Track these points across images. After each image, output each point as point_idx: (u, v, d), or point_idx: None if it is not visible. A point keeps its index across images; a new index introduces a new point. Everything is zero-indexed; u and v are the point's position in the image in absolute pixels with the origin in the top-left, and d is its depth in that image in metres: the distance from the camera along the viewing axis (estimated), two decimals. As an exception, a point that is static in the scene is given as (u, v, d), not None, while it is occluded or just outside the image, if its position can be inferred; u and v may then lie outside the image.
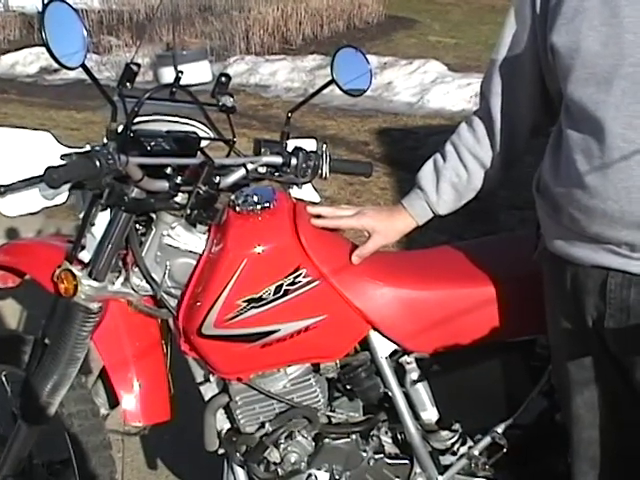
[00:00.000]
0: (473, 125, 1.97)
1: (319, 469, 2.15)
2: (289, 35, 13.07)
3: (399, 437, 2.18)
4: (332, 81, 2.19)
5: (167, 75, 10.39)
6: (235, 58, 12.04)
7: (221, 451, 2.22)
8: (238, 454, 2.17)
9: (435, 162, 2.02)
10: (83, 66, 1.76)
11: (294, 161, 2.14)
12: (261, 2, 13.67)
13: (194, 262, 2.02)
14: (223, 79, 2.22)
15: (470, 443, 2.15)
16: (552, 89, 1.78)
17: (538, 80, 1.80)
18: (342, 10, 13.77)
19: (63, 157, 1.77)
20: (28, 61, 12.68)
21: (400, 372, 2.09)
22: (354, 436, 2.16)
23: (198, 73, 10.02)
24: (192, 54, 10.96)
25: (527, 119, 1.89)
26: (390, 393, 2.10)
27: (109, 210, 2.00)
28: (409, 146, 7.22)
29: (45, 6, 1.66)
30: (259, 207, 1.98)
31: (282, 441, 2.13)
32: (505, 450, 2.09)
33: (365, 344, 2.10)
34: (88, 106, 8.72)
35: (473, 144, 1.96)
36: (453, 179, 1.99)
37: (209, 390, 2.20)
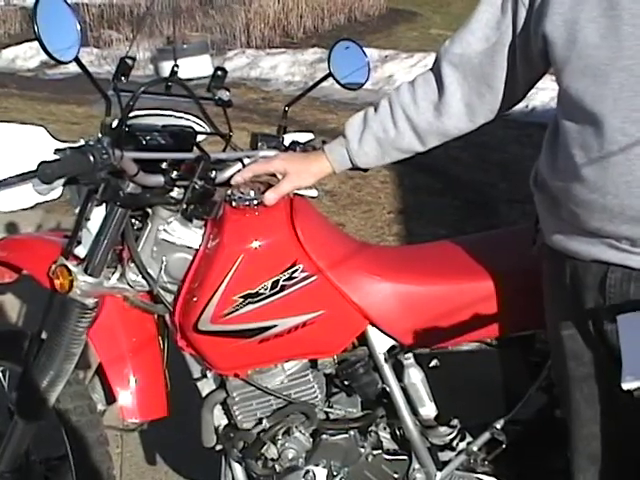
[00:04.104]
0: (415, 85, 1.92)
1: (317, 465, 2.14)
2: (290, 28, 13.06)
3: (397, 433, 2.17)
4: (329, 75, 2.17)
5: (168, 69, 10.21)
6: (236, 52, 12.03)
7: (219, 447, 2.21)
8: (236, 450, 2.16)
9: (366, 113, 1.98)
10: (77, 60, 1.75)
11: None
12: (262, -5, 13.65)
13: (190, 257, 2.01)
14: (219, 73, 2.21)
15: (469, 439, 2.14)
16: (518, 79, 1.77)
17: (503, 68, 1.77)
18: (343, 3, 13.75)
19: (57, 152, 1.76)
20: (28, 55, 12.69)
21: (398, 368, 2.08)
22: (352, 432, 2.15)
23: (199, 67, 9.99)
24: (193, 48, 10.94)
25: (474, 102, 1.85)
26: (388, 389, 2.09)
27: (105, 205, 1.99)
28: (410, 140, 7.20)
29: (37, 0, 1.65)
30: (256, 202, 1.97)
31: (280, 437, 2.12)
32: (504, 446, 2.08)
33: (363, 340, 2.09)
34: (88, 100, 8.66)
35: (409, 103, 1.90)
36: (379, 133, 1.93)
37: (206, 386, 2.19)
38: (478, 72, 1.81)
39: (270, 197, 1.96)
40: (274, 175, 2.02)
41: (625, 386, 1.38)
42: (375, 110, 1.96)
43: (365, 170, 2.04)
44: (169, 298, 2.05)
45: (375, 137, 1.94)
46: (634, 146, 1.47)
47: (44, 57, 11.87)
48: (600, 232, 1.58)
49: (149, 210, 2.03)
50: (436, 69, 1.88)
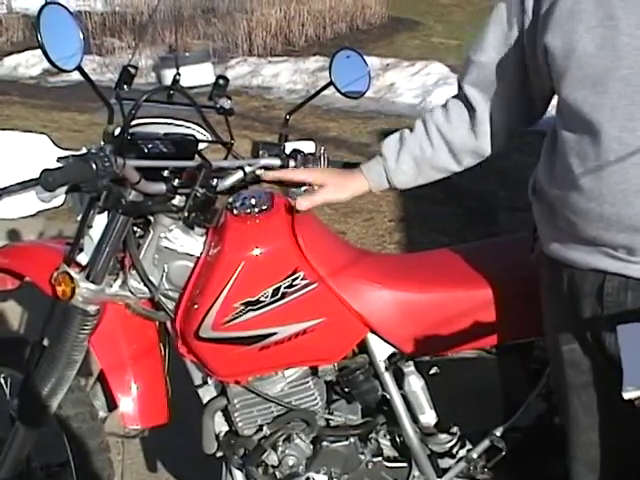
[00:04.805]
0: (447, 107, 1.95)
1: (317, 472, 2.15)
2: (292, 37, 13.06)
3: (397, 440, 2.18)
4: (331, 83, 2.18)
5: (170, 77, 10.28)
6: (238, 60, 12.04)
7: (219, 454, 2.22)
8: (236, 457, 2.17)
9: (402, 133, 2.00)
10: (79, 69, 1.76)
11: (292, 163, 2.13)
12: (264, 4, 13.64)
13: (192, 265, 2.02)
14: (221, 81, 2.22)
15: (469, 446, 2.15)
16: (536, 91, 1.78)
17: (518, 82, 1.79)
18: (345, 12, 13.75)
19: (59, 160, 1.77)
20: (31, 63, 12.70)
21: (398, 375, 2.09)
22: (352, 439, 2.16)
23: (201, 75, 10.00)
24: (195, 56, 10.94)
25: (503, 118, 1.87)
26: (388, 396, 2.10)
27: (107, 213, 2.00)
28: (411, 148, 7.21)
29: (40, 9, 1.66)
30: (257, 210, 1.98)
31: (280, 444, 2.13)
32: (504, 453, 2.09)
33: (363, 347, 2.10)
34: (90, 108, 8.68)
35: (443, 123, 1.93)
36: (416, 151, 1.95)
37: (207, 393, 2.19)
38: (498, 89, 1.83)
39: (303, 204, 1.97)
40: (296, 185, 2.04)
41: (626, 395, 1.39)
42: (411, 130, 1.98)
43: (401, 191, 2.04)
44: (170, 305, 2.06)
45: (412, 155, 1.96)
46: (630, 155, 1.48)
47: (46, 65, 11.83)
48: (597, 241, 1.59)
49: (151, 218, 2.04)
50: (461, 92, 1.92)
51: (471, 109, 1.89)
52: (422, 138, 1.95)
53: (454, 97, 1.95)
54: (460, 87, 1.91)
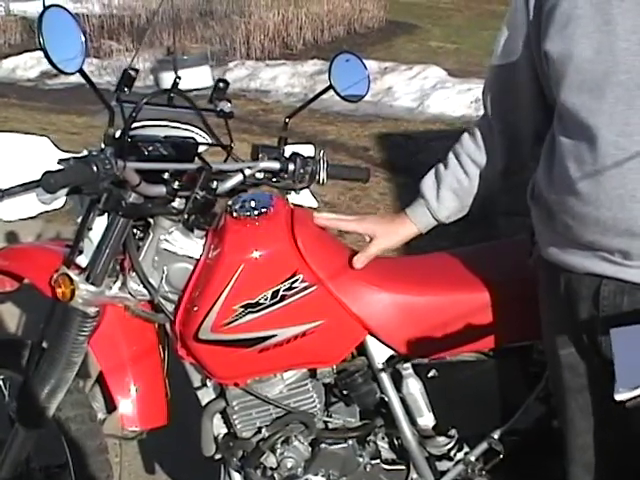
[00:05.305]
0: (474, 132, 1.97)
1: (316, 474, 2.15)
2: (290, 40, 13.06)
3: (396, 443, 2.19)
4: (330, 87, 2.19)
5: (168, 80, 10.29)
6: (235, 63, 12.04)
7: (218, 456, 2.22)
8: (235, 459, 2.17)
9: (436, 170, 2.03)
10: (81, 71, 1.77)
11: (291, 167, 2.14)
12: (262, 7, 13.66)
13: (191, 267, 2.02)
14: (221, 84, 2.22)
15: (467, 449, 2.15)
16: (549, 96, 1.78)
17: (535, 86, 1.79)
18: (343, 15, 13.75)
19: (60, 162, 1.78)
20: (29, 65, 12.68)
21: (397, 378, 2.09)
22: (351, 441, 2.16)
23: (199, 78, 9.99)
24: (193, 59, 10.94)
25: (528, 125, 1.88)
26: (387, 399, 2.10)
27: (107, 215, 2.00)
28: (409, 151, 7.22)
29: (43, 11, 1.67)
30: (256, 212, 1.99)
31: (279, 446, 2.13)
32: (502, 456, 2.09)
33: (362, 349, 2.10)
34: (89, 110, 8.70)
35: (474, 150, 1.96)
36: (454, 185, 1.98)
37: (206, 395, 2.20)
38: (518, 95, 1.85)
39: (360, 260, 2.03)
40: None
41: (618, 397, 1.39)
42: (445, 166, 2.01)
43: (445, 224, 2.07)
44: (170, 307, 2.07)
45: (451, 189, 1.99)
46: (627, 160, 1.49)
47: (44, 67, 11.87)
48: (594, 245, 1.60)
49: (151, 220, 2.04)
50: (485, 111, 1.95)
51: (494, 127, 1.92)
52: (456, 170, 1.98)
53: (479, 120, 1.99)
54: (484, 105, 1.95)
